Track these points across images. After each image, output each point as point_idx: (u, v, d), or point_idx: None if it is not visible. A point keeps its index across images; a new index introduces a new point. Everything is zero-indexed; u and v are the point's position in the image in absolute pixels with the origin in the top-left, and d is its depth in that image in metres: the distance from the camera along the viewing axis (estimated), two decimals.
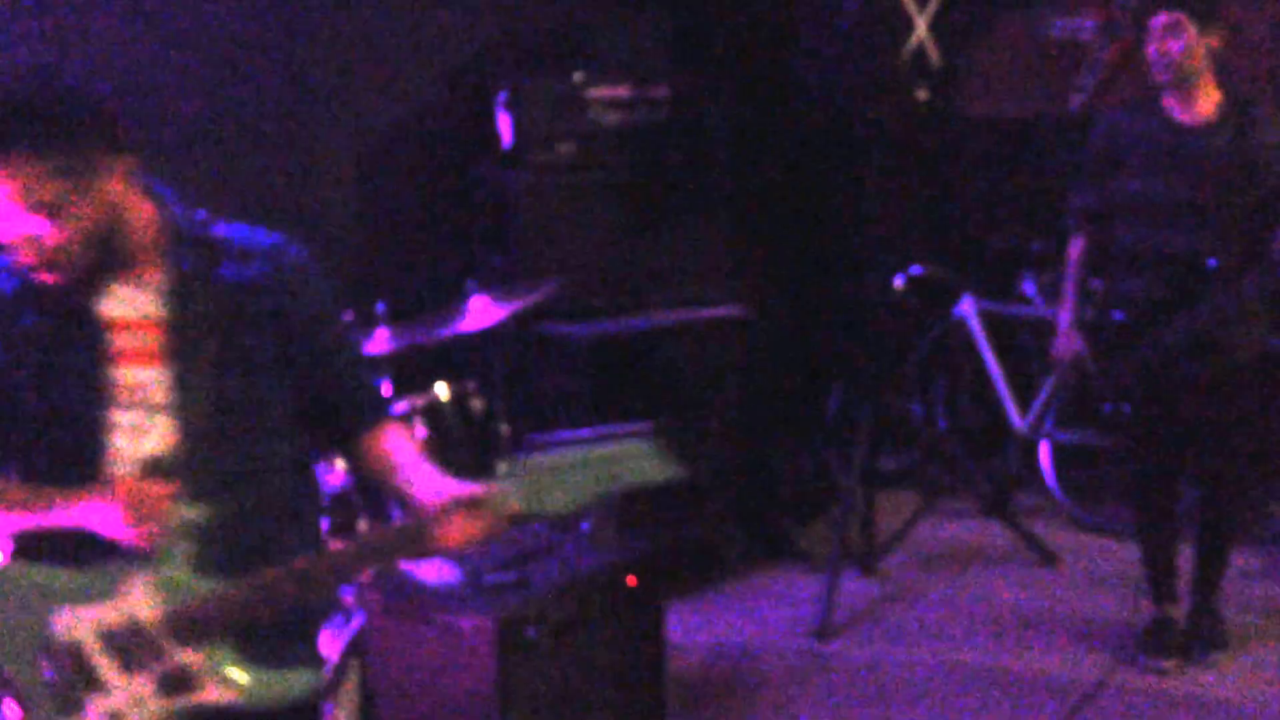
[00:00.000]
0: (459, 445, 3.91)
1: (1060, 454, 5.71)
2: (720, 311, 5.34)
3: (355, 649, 3.13)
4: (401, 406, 3.81)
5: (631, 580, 3.67)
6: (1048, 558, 5.29)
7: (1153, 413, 4.23)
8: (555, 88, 5.26)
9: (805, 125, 6.07)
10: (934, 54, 5.78)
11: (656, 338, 5.18)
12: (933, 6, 5.72)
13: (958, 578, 5.17)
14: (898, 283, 5.72)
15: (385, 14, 5.26)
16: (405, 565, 3.43)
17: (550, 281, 4.46)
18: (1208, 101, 4.15)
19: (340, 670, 3.11)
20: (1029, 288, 5.79)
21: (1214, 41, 4.09)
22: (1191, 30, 4.04)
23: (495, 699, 3.21)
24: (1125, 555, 4.87)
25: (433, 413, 3.89)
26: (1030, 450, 5.74)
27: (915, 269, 5.78)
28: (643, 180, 5.39)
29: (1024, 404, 5.72)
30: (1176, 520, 4.38)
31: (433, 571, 3.45)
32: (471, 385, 4.02)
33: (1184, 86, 4.12)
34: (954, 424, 6.19)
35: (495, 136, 5.26)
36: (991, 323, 5.81)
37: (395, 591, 3.34)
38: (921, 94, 5.74)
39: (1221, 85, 4.17)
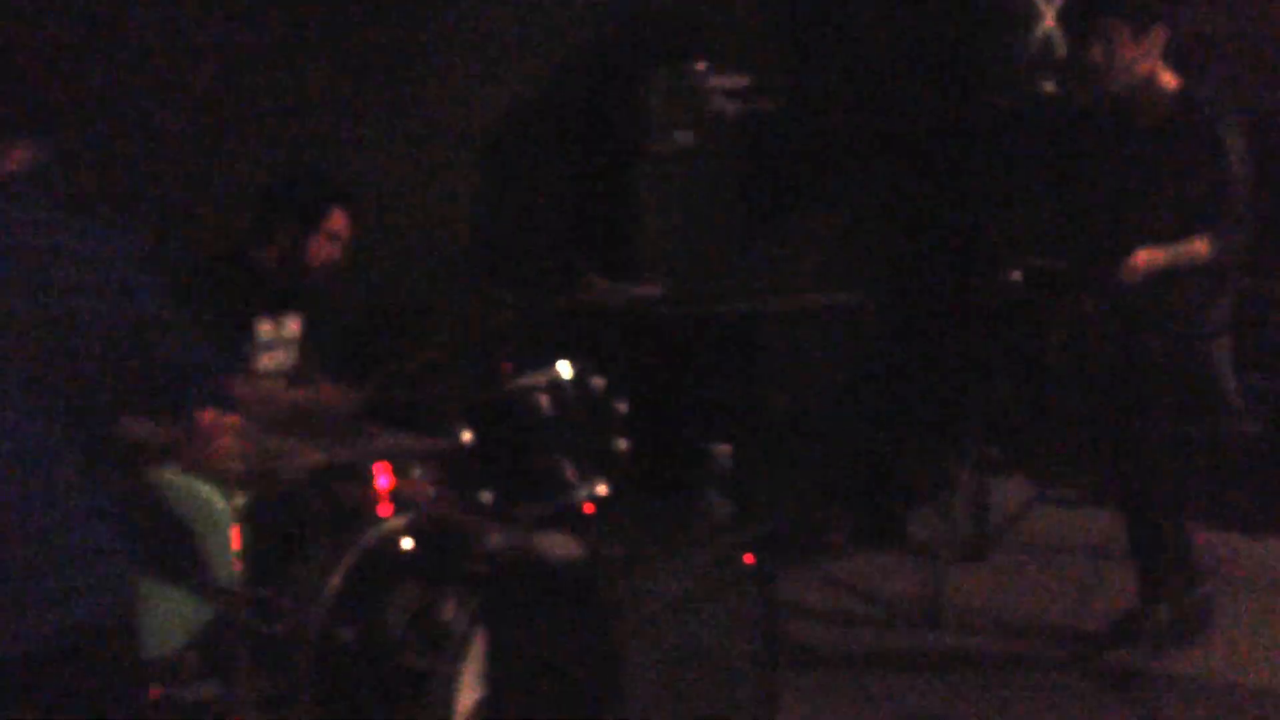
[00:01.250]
0: (579, 421, 4.01)
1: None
2: (836, 298, 5.40)
3: (479, 619, 3.23)
4: (525, 383, 3.92)
5: (749, 558, 3.75)
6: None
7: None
8: (675, 77, 5.34)
9: (924, 115, 6.08)
10: (1061, 45, 5.76)
11: (772, 323, 5.25)
12: None
13: (1068, 566, 5.18)
14: (1016, 274, 5.71)
15: (510, 3, 5.37)
16: (531, 539, 3.55)
17: (668, 268, 4.56)
18: (1161, 103, 4.08)
19: (465, 638, 3.22)
20: None
21: (1152, 42, 4.01)
22: (1124, 34, 3.98)
23: (614, 671, 3.31)
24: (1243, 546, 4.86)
25: (555, 390, 3.99)
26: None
27: (1033, 260, 5.77)
28: (760, 169, 5.45)
29: None
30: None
31: (554, 544, 3.55)
32: (594, 365, 4.12)
33: (1132, 91, 4.08)
34: (1065, 413, 6.17)
35: (616, 125, 5.36)
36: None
37: (518, 562, 3.45)
38: (1048, 85, 5.72)
39: (1180, 83, 4.09)
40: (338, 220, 4.11)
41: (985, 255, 5.71)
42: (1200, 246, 4.02)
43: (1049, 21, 5.49)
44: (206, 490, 3.45)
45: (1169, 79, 4.10)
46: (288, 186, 4.15)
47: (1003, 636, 4.62)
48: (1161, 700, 4.09)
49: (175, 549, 3.37)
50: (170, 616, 3.28)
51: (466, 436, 3.84)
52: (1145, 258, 4.01)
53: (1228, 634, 4.47)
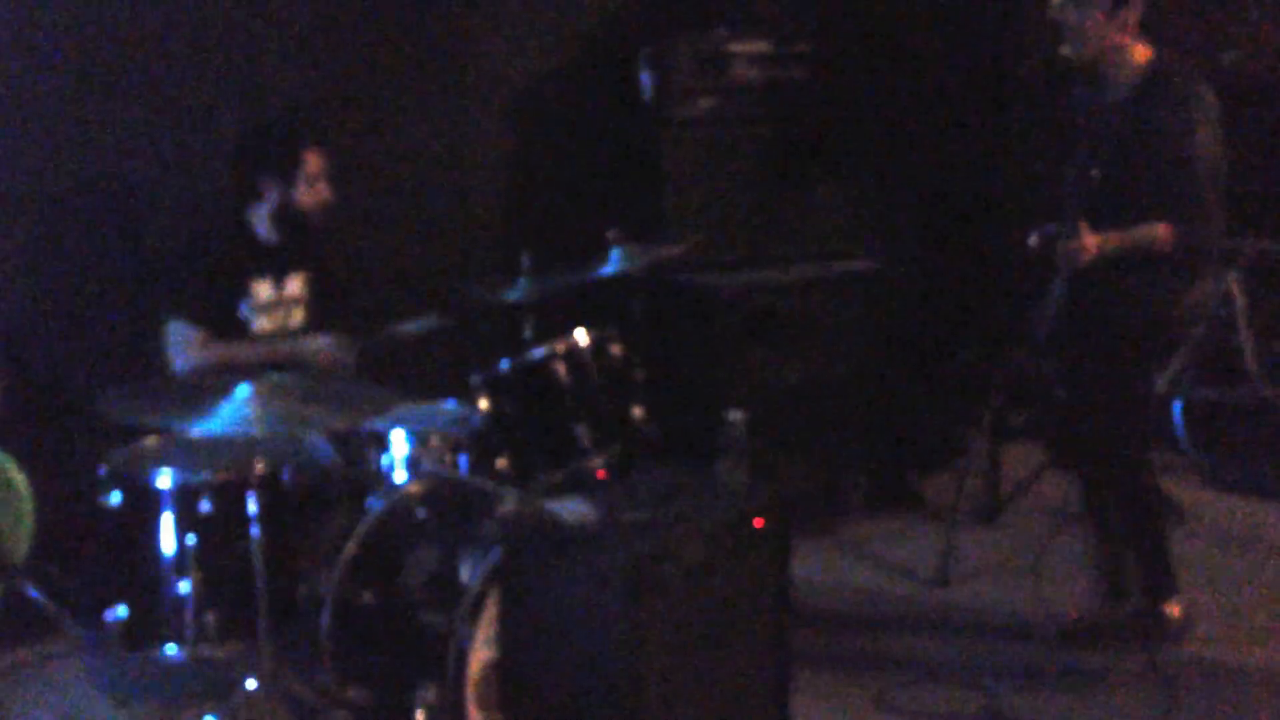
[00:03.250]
0: (596, 389, 4.08)
1: (1192, 411, 5.73)
2: (855, 265, 5.44)
3: (494, 580, 3.31)
4: (539, 352, 3.99)
5: (759, 522, 3.81)
6: (1175, 514, 5.31)
7: None
8: (697, 43, 5.37)
9: (945, 81, 6.09)
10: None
11: (792, 290, 5.30)
12: None
13: (1079, 532, 5.22)
14: (1032, 239, 5.74)
15: None
16: (544, 502, 3.63)
17: (689, 238, 4.61)
18: (1131, 75, 3.93)
19: (479, 600, 3.30)
20: None
21: (1129, 11, 3.87)
22: (1096, 6, 3.85)
23: (628, 634, 3.38)
24: (1253, 513, 4.88)
25: (572, 358, 4.06)
26: (1162, 407, 5.75)
27: (1049, 227, 5.79)
28: (783, 135, 5.47)
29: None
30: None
31: (570, 508, 3.64)
32: (611, 332, 4.19)
33: (1103, 60, 3.95)
34: None
35: (638, 92, 5.40)
36: None
37: (533, 526, 3.53)
38: (1065, 50, 5.71)
39: (1152, 54, 3.93)
40: (314, 162, 4.15)
41: (1004, 221, 5.74)
42: (1161, 232, 3.86)
43: None
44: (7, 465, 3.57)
45: (1140, 50, 3.96)
46: (258, 140, 4.19)
47: (1011, 598, 4.67)
48: (1169, 662, 4.13)
49: None
50: None
51: (484, 404, 3.93)
52: (1095, 242, 3.88)
53: (1250, 603, 4.50)
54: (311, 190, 4.15)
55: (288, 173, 4.11)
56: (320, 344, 4.17)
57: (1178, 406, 5.72)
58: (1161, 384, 5.65)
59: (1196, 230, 3.89)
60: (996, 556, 5.04)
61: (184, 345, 4.03)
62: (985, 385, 5.28)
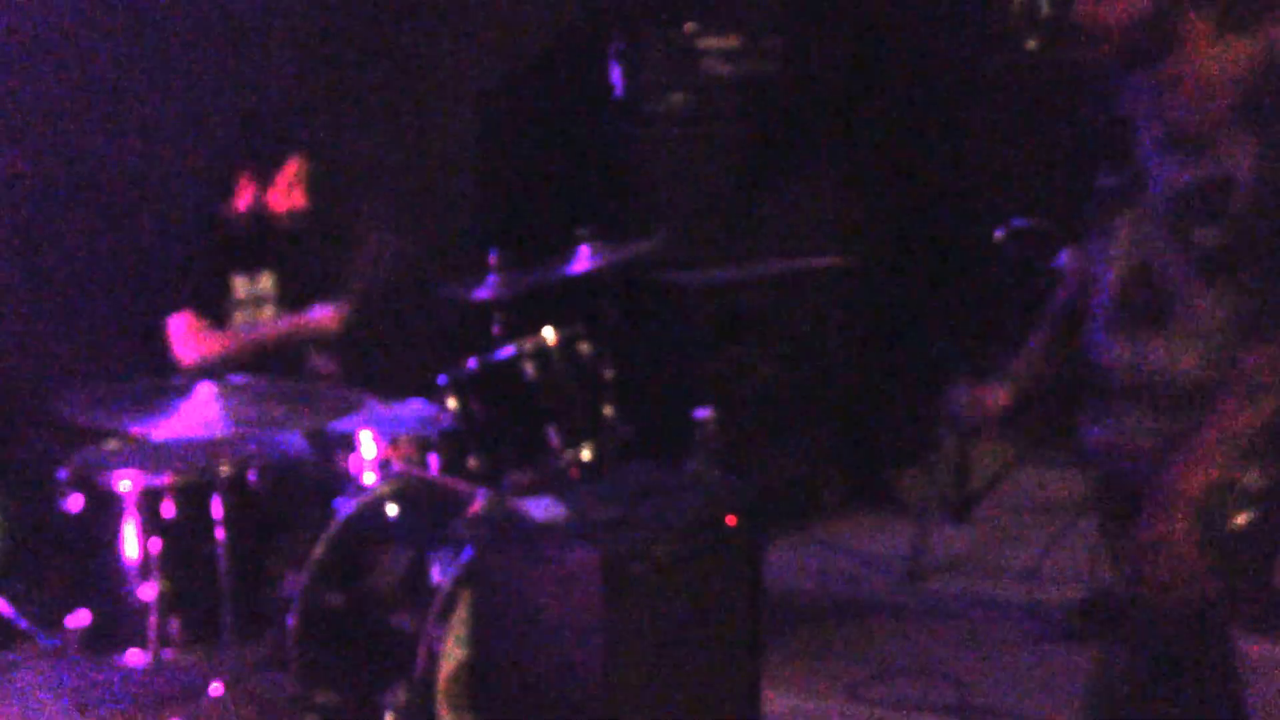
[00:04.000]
0: (566, 387, 4.05)
1: None
2: (825, 261, 5.43)
3: (465, 580, 3.28)
4: (509, 350, 3.96)
5: (731, 520, 3.79)
6: None
7: None
8: (668, 39, 5.34)
9: (914, 76, 6.08)
10: (1045, 4, 5.75)
11: (763, 286, 5.28)
12: None
13: (1049, 526, 5.23)
14: (999, 234, 5.74)
15: None
16: (515, 501, 3.59)
17: (660, 231, 4.58)
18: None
19: (450, 600, 3.27)
20: None
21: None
22: None
23: (601, 632, 3.35)
24: None
25: (542, 356, 4.03)
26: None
27: (1017, 221, 5.79)
28: (754, 131, 5.46)
29: None
30: None
31: (541, 507, 3.60)
32: (581, 330, 4.16)
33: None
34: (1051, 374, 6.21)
35: (609, 87, 5.37)
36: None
37: (504, 525, 3.49)
38: (1031, 44, 5.72)
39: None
40: (295, 168, 4.12)
41: (973, 216, 5.73)
42: None
43: None
44: None
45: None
46: (242, 139, 4.17)
47: (984, 593, 4.67)
48: None
49: None
50: None
51: (452, 403, 3.90)
52: None
53: None
54: (286, 194, 4.12)
55: (266, 170, 4.09)
56: (322, 313, 4.15)
57: None
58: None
59: None
60: (969, 551, 5.04)
61: (190, 337, 4.02)
62: (953, 381, 5.26)
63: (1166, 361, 2.37)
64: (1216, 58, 2.35)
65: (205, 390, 3.19)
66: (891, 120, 6.04)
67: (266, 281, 4.23)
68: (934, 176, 6.17)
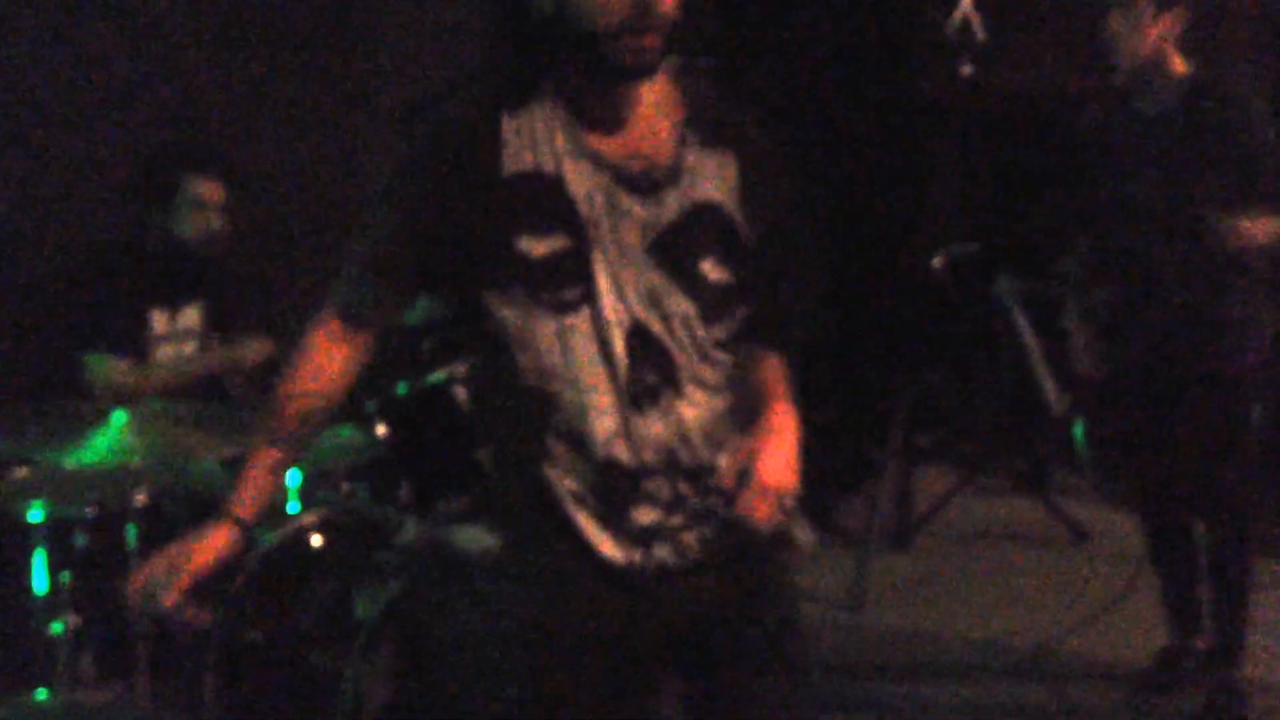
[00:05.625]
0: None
1: (1093, 432, 5.72)
2: None
3: (391, 615, 3.18)
4: (439, 376, 3.87)
5: None
6: (1079, 535, 5.32)
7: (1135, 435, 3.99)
8: None
9: (849, 101, 6.07)
10: (979, 29, 5.75)
11: None
12: None
13: (990, 554, 5.21)
14: (937, 260, 5.72)
15: None
16: (445, 532, 3.49)
17: None
18: (1172, 88, 3.75)
19: (375, 636, 3.16)
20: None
21: (1174, 21, 3.71)
22: (1148, 13, 3.69)
23: (532, 670, 3.26)
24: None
25: (471, 381, 3.94)
26: (1066, 428, 5.74)
27: (955, 247, 5.78)
28: None
29: (1061, 382, 5.72)
30: (1191, 545, 4.04)
31: (472, 537, 3.50)
32: None
33: (1143, 73, 3.76)
34: (990, 401, 6.20)
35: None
36: (1030, 301, 5.81)
37: (432, 557, 3.39)
38: (966, 69, 5.71)
39: (1188, 69, 3.77)
40: (199, 189, 3.98)
41: (911, 242, 5.71)
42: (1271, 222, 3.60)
43: (967, 5, 5.47)
44: None
45: (1178, 63, 3.77)
46: (143, 163, 4.04)
47: (924, 621, 4.62)
48: (1078, 682, 4.13)
49: None
50: None
51: (381, 430, 3.78)
52: (1258, 227, 3.58)
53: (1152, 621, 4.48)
54: (193, 220, 3.97)
55: (167, 194, 3.95)
56: (250, 346, 4.03)
57: (1079, 428, 5.71)
58: (1060, 405, 5.63)
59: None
60: (909, 579, 4.99)
61: (107, 376, 3.87)
62: (895, 407, 5.23)
63: None
64: None
65: (119, 418, 3.09)
66: (825, 145, 6.02)
67: (190, 315, 4.09)
68: (870, 203, 6.16)
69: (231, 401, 4.07)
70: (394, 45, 5.23)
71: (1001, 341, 6.02)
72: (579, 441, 2.10)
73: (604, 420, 2.09)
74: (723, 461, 2.14)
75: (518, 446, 2.15)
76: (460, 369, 3.92)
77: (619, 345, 2.08)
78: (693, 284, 2.13)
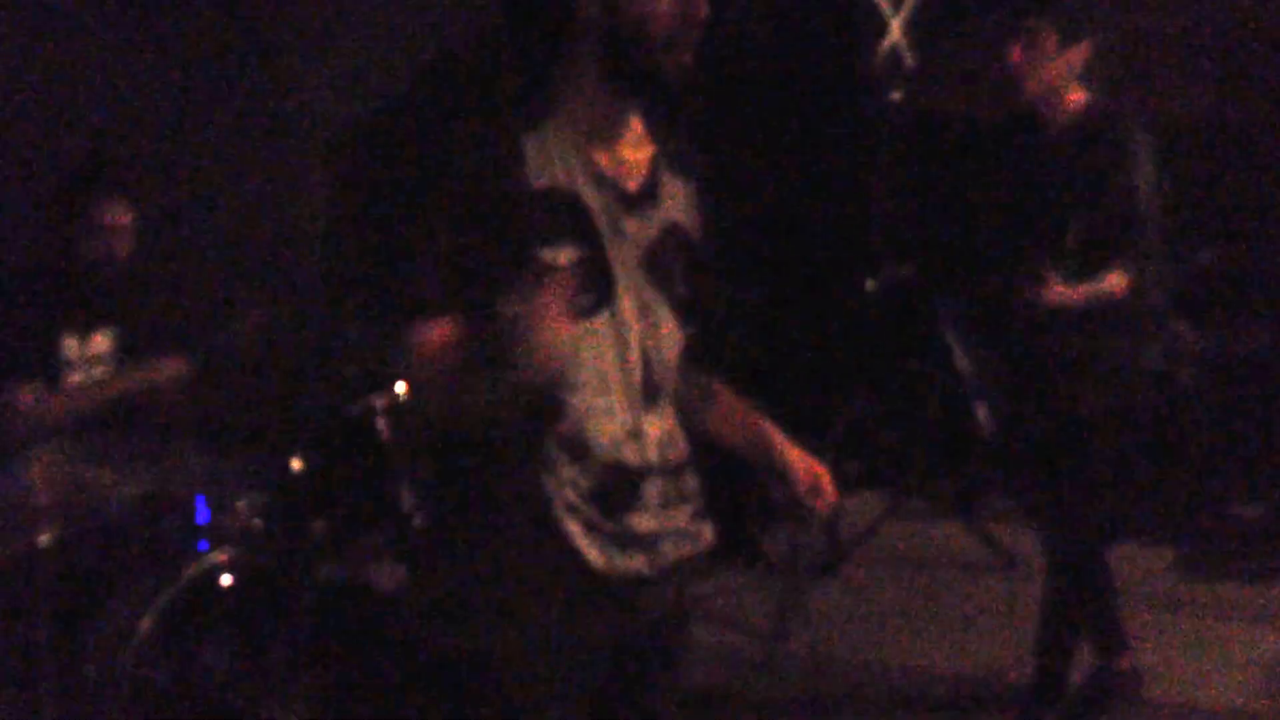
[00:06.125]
0: (420, 445, 3.91)
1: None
2: None
3: (305, 653, 3.12)
4: (359, 408, 3.80)
5: None
6: (1009, 561, 5.32)
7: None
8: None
9: (782, 125, 6.06)
10: (909, 55, 5.78)
11: None
12: (907, 8, 5.72)
13: (920, 580, 5.20)
14: (870, 284, 5.72)
15: (358, 11, 5.26)
16: (360, 570, 3.44)
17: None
18: (1065, 118, 3.75)
19: (289, 675, 3.11)
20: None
21: (1077, 54, 3.72)
22: (1052, 41, 3.69)
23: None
24: None
25: (395, 411, 3.88)
26: (997, 453, 5.75)
27: (888, 270, 5.78)
28: None
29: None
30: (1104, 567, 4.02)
31: (386, 575, 3.45)
32: None
33: (1039, 102, 3.76)
34: (919, 426, 6.21)
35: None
36: (963, 324, 5.82)
37: (348, 595, 3.34)
38: (896, 95, 5.73)
39: (1086, 98, 3.77)
40: (107, 213, 3.91)
41: (841, 265, 5.71)
42: (1116, 281, 3.63)
43: (896, 32, 5.50)
44: None
45: (1077, 93, 3.78)
46: (51, 188, 3.96)
47: (853, 650, 4.60)
48: (1007, 711, 4.11)
49: None
50: None
51: (298, 463, 3.71)
52: (1059, 293, 3.61)
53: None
54: (99, 240, 3.90)
55: (70, 215, 3.87)
56: (163, 368, 3.95)
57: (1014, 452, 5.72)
58: (990, 427, 5.64)
59: (1150, 276, 3.71)
60: (838, 608, 4.96)
61: (17, 404, 3.77)
62: (823, 433, 5.22)
63: None
64: None
65: (25, 453, 3.01)
66: (759, 169, 6.01)
67: (102, 340, 4.01)
68: (800, 225, 6.15)
69: (145, 432, 3.98)
70: (315, 68, 5.18)
71: (932, 365, 6.04)
72: (582, 447, 2.17)
73: (611, 423, 2.18)
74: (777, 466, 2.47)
75: (513, 459, 2.18)
76: (381, 400, 3.86)
77: (635, 346, 2.20)
78: (672, 299, 2.26)
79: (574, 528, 2.16)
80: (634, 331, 2.20)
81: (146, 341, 4.07)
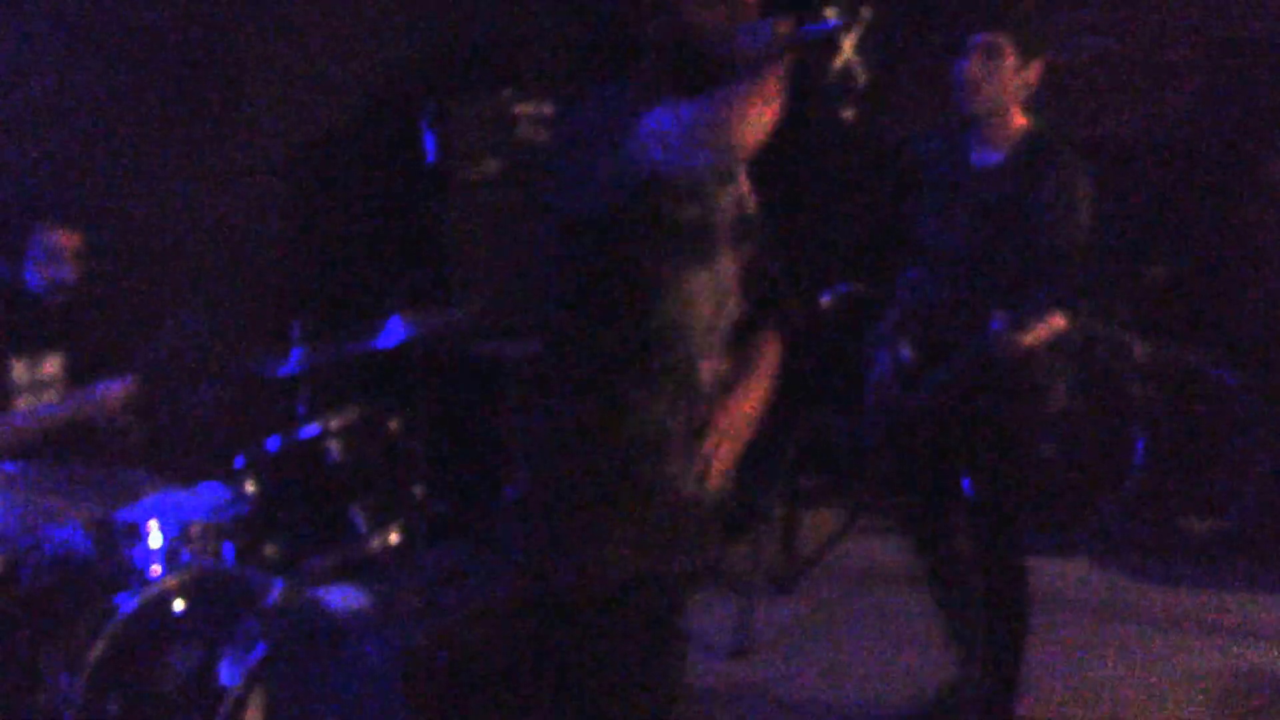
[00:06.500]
0: (372, 466, 3.90)
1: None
2: None
3: (257, 681, 3.09)
4: (312, 429, 3.79)
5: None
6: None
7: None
8: (483, 104, 5.25)
9: None
10: (860, 74, 5.79)
11: None
12: (859, 27, 5.73)
13: (878, 597, 5.20)
14: (824, 300, 5.73)
15: (311, 29, 5.24)
16: (313, 592, 3.42)
17: (474, 301, 4.46)
18: (1006, 140, 3.72)
19: (240, 703, 3.08)
20: None
21: (1031, 73, 3.69)
22: (1010, 57, 3.64)
23: None
24: (1045, 575, 4.90)
25: (348, 435, 3.87)
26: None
27: (842, 287, 5.79)
28: None
29: None
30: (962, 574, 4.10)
31: (340, 597, 3.43)
32: (390, 406, 4.00)
33: (984, 119, 3.72)
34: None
35: (421, 154, 5.24)
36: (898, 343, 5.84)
37: (300, 619, 3.31)
38: (848, 114, 5.74)
39: (1028, 122, 3.74)
40: (52, 238, 3.89)
41: (795, 282, 5.72)
42: (1056, 323, 3.58)
43: (848, 51, 5.51)
44: None
45: (1018, 117, 3.74)
46: (0, 207, 3.96)
47: (811, 667, 4.60)
48: None
49: None
50: None
51: (251, 487, 3.69)
52: (1005, 343, 3.54)
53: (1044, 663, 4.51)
54: (45, 268, 3.88)
55: (9, 250, 3.85)
56: (108, 391, 3.92)
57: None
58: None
59: (1079, 309, 3.76)
60: (795, 625, 4.97)
61: None
62: (780, 450, 5.22)
63: None
64: None
65: None
66: None
67: (51, 364, 3.98)
68: (756, 243, 6.15)
69: (95, 457, 3.95)
70: (266, 88, 5.16)
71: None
72: (694, 390, 2.63)
73: (709, 371, 2.67)
74: None
75: (627, 401, 2.55)
76: (334, 422, 3.85)
77: (728, 304, 2.71)
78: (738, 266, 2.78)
79: (680, 462, 2.55)
80: (730, 292, 2.66)
81: (95, 365, 4.05)
